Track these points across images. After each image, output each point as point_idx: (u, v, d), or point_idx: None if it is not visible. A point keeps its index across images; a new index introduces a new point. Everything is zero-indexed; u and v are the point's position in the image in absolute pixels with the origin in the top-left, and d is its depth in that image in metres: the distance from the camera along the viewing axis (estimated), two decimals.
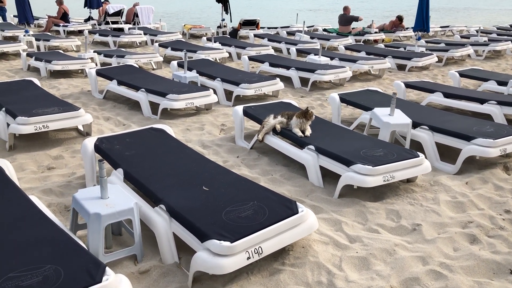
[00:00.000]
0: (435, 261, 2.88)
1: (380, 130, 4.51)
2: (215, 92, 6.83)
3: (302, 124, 4.35)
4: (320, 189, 3.88)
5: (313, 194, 3.79)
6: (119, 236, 3.20)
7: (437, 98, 6.15)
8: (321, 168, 4.01)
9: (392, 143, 4.15)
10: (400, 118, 4.52)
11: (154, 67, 9.46)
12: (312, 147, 4.07)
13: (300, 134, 4.29)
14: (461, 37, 13.85)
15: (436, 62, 10.24)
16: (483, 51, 11.60)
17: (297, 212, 2.81)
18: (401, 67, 9.78)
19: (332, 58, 9.02)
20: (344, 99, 5.62)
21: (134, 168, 3.51)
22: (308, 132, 4.34)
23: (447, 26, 16.77)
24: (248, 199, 2.99)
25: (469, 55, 11.40)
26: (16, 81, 6.27)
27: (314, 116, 4.42)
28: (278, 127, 4.50)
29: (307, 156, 4.04)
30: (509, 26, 17.40)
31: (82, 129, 5.28)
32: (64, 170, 4.38)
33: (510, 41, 11.55)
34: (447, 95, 6.09)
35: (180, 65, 7.80)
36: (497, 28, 16.51)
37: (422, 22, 11.55)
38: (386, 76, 9.02)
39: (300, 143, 4.23)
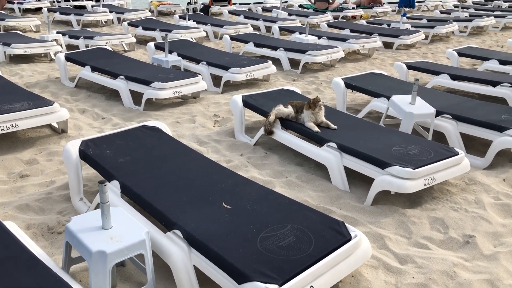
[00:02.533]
0: (506, 285, 2.45)
1: (402, 121, 4.04)
2: None
3: (316, 116, 3.82)
4: (347, 194, 3.39)
5: (340, 201, 3.30)
6: (121, 266, 2.62)
7: (443, 81, 5.73)
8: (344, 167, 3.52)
9: (427, 139, 3.68)
10: (423, 107, 4.06)
11: (126, 49, 8.66)
12: (333, 144, 3.56)
13: (315, 129, 3.76)
14: (441, 12, 13.56)
15: (422, 39, 9.87)
16: (465, 27, 11.33)
17: (349, 238, 2.30)
18: (387, 45, 9.36)
19: (319, 37, 8.48)
20: (349, 84, 5.12)
21: (133, 180, 2.90)
22: (331, 124, 3.81)
23: (423, 1, 16.47)
24: (283, 220, 2.46)
25: (453, 32, 11.10)
26: None
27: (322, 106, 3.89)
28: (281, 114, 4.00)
29: (328, 156, 3.53)
30: (483, 1, 17.28)
31: (56, 126, 4.57)
32: (40, 178, 3.71)
33: (493, 17, 11.30)
34: (454, 77, 5.68)
35: (159, 47, 7.08)
36: (473, 3, 16.33)
37: None
38: (375, 55, 8.57)
39: (317, 139, 3.71)
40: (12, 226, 2.57)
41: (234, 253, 2.21)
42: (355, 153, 3.39)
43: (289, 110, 3.97)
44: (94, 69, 5.85)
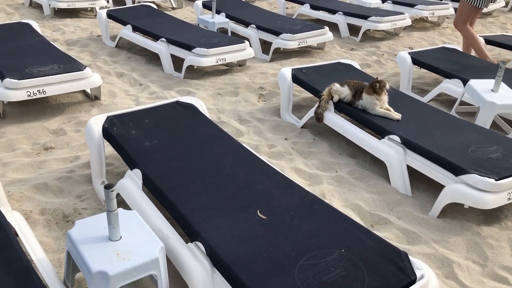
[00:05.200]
0: None
1: (480, 112, 3.39)
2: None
3: (381, 102, 3.25)
4: (408, 199, 2.85)
5: (399, 208, 2.77)
6: None
7: None
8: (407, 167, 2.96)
9: (508, 135, 3.03)
10: (508, 97, 3.38)
11: (174, 5, 8.18)
12: (395, 137, 2.99)
13: (396, 116, 3.20)
14: None
15: (502, 7, 8.76)
16: None
17: (414, 279, 1.80)
18: None
19: (383, 1, 7.64)
20: (417, 60, 4.44)
21: (157, 171, 2.50)
22: (394, 113, 3.24)
23: None
24: (330, 243, 1.98)
25: None
26: (10, 25, 5.16)
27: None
28: (337, 98, 3.44)
29: (389, 151, 2.98)
30: None
31: (89, 91, 4.23)
32: (65, 152, 3.40)
33: None
34: None
35: (207, 6, 6.55)
36: None
37: None
38: (445, 23, 7.65)
39: (377, 129, 3.15)
40: (17, 219, 2.25)
41: (263, 285, 1.77)
42: (423, 152, 2.82)
43: (346, 90, 3.41)
44: (135, 28, 5.44)
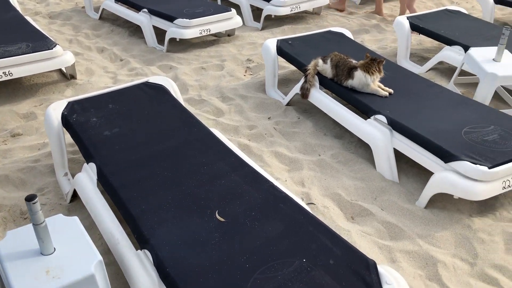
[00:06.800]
0: None
1: (479, 85, 3.07)
2: (238, 10, 5.32)
3: (375, 80, 2.94)
4: (394, 186, 2.60)
5: (384, 197, 2.53)
6: None
7: None
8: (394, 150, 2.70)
9: (507, 114, 2.72)
10: (511, 66, 3.05)
11: None
12: (382, 117, 2.71)
13: (385, 93, 2.91)
14: None
15: None
16: None
17: None
18: None
19: None
20: (416, 25, 4.07)
21: (112, 165, 2.28)
22: (382, 91, 2.94)
23: None
24: (292, 250, 1.76)
25: None
26: None
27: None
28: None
29: (374, 133, 2.71)
30: None
31: (64, 70, 4.00)
32: (33, 138, 3.20)
33: None
34: None
35: None
36: None
37: None
38: None
39: (362, 107, 2.87)
40: None
41: None
42: (410, 134, 2.55)
43: (327, 68, 3.12)
44: None
